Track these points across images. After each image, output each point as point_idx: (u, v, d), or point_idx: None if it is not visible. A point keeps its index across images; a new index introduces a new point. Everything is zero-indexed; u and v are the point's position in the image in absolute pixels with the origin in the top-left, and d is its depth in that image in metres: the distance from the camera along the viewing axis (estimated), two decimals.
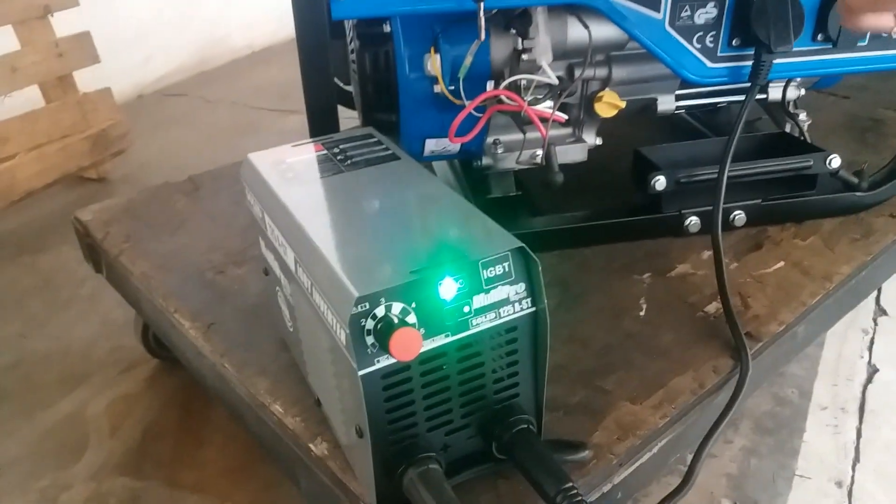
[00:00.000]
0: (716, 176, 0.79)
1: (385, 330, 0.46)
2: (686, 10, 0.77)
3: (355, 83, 0.87)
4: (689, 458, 0.65)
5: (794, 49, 0.79)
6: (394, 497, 0.53)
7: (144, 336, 1.05)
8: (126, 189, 1.56)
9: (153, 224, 0.96)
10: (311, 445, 0.62)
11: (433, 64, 0.76)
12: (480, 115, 0.79)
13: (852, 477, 0.90)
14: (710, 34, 0.78)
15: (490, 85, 0.80)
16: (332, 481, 0.60)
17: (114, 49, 1.70)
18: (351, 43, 0.85)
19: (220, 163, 1.12)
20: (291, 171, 0.64)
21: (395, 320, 0.47)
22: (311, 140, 0.70)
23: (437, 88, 0.78)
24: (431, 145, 0.84)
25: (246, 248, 0.90)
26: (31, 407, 1.06)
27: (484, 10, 0.70)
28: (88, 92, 1.64)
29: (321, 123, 0.74)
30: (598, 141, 0.89)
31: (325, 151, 0.67)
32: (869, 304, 1.19)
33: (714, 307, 0.77)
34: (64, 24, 1.58)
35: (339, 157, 0.66)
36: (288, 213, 0.58)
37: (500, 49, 0.78)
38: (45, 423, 1.03)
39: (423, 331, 0.48)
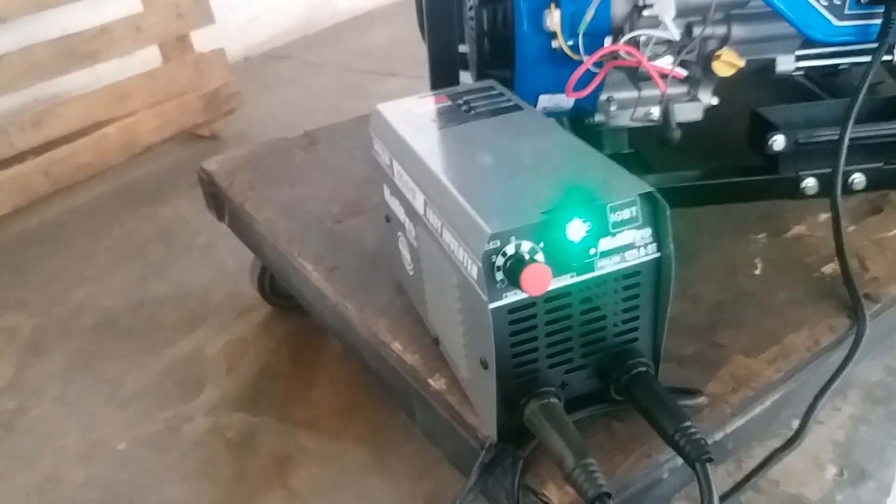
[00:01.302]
0: (836, 138, 0.77)
1: (515, 266, 0.49)
2: None
3: (471, 41, 0.89)
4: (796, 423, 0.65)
5: None
6: (513, 429, 0.56)
7: (261, 283, 1.11)
8: (237, 146, 1.63)
9: (274, 175, 1.01)
10: (429, 380, 0.66)
11: (553, 19, 0.77)
12: (598, 70, 0.80)
13: None
14: None
15: (608, 41, 0.80)
16: (450, 414, 0.63)
17: (223, 10, 1.77)
18: (470, 2, 0.86)
19: (325, 123, 1.16)
20: (420, 120, 0.67)
21: (526, 257, 0.49)
22: (435, 92, 0.73)
23: (556, 44, 0.79)
24: (545, 101, 0.85)
25: (362, 200, 0.94)
26: (155, 344, 1.14)
27: None
28: (204, 52, 1.72)
29: (444, 77, 0.77)
30: (715, 101, 0.88)
31: (449, 102, 0.70)
32: None
33: (831, 268, 0.76)
34: None
35: (463, 108, 0.68)
36: (419, 159, 0.61)
37: (620, 5, 0.79)
38: (167, 359, 1.11)
39: (550, 269, 0.50)
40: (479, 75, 0.89)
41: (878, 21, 0.78)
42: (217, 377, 1.07)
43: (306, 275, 0.83)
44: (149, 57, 1.70)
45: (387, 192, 0.72)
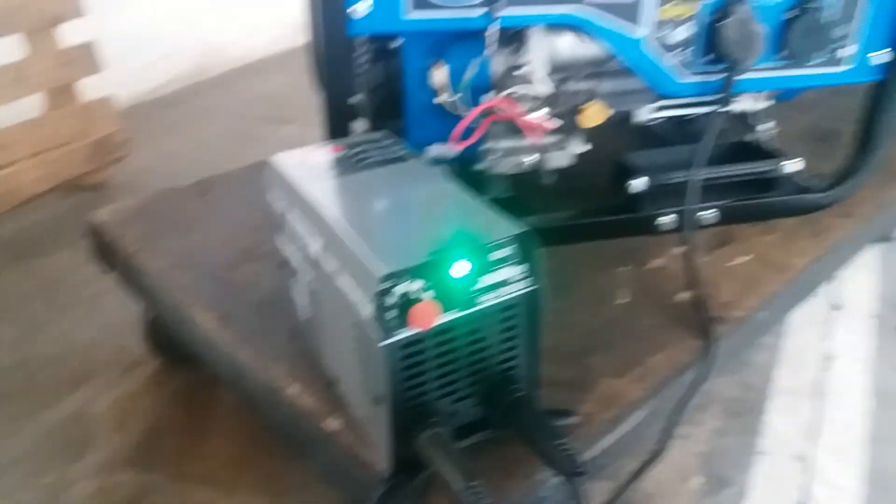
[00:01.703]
0: (687, 178, 0.88)
1: (406, 304, 0.54)
2: (663, 31, 0.86)
3: (364, 93, 0.94)
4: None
5: (756, 66, 0.88)
6: (407, 460, 0.60)
7: (150, 335, 1.10)
8: (126, 195, 1.60)
9: (166, 224, 1.02)
10: (326, 422, 0.69)
11: (438, 76, 0.85)
12: (479, 123, 0.87)
13: (810, 453, 0.99)
14: (684, 53, 0.87)
15: (488, 96, 0.88)
16: (348, 453, 0.66)
17: (113, 57, 1.74)
18: (361, 56, 0.92)
19: (218, 170, 1.17)
20: (314, 169, 0.71)
21: (415, 295, 0.54)
22: (330, 142, 0.77)
23: (441, 99, 0.86)
24: (433, 150, 0.92)
25: (256, 247, 0.97)
26: (35, 406, 1.07)
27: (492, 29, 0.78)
28: (91, 100, 1.69)
29: (339, 127, 0.82)
30: (584, 148, 0.98)
31: (343, 152, 0.75)
32: (825, 298, 1.28)
33: (686, 295, 0.85)
34: (67, 32, 1.62)
35: (357, 158, 0.73)
36: (313, 206, 0.65)
37: (498, 64, 0.87)
38: (49, 421, 1.05)
39: (437, 305, 0.56)
40: (373, 125, 0.95)
41: (719, 77, 0.89)
42: (104, 436, 1.03)
43: (200, 324, 0.84)
44: (34, 103, 1.65)
45: (282, 238, 0.75)
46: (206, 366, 0.89)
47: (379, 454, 0.62)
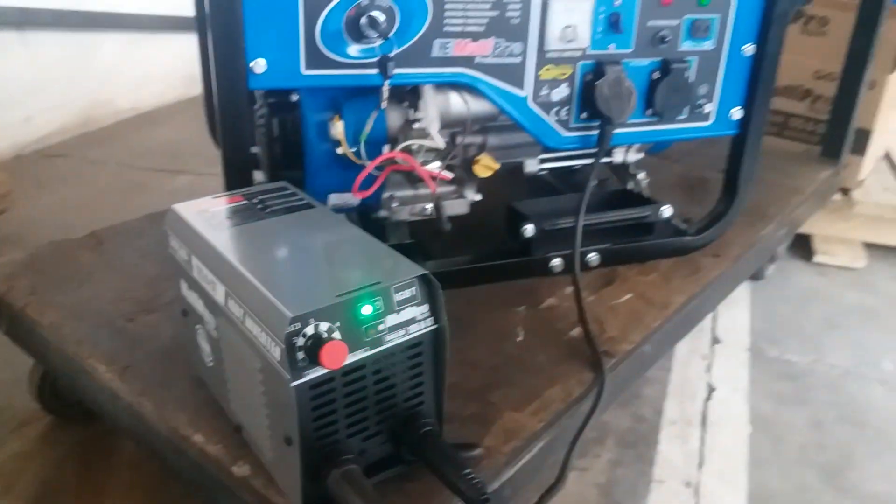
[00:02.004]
0: (573, 225, 0.95)
1: (315, 345, 0.56)
2: (544, 90, 0.93)
3: (263, 144, 0.96)
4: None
5: (629, 122, 0.97)
6: (318, 499, 0.61)
7: (41, 391, 1.05)
8: (9, 249, 1.53)
9: (58, 277, 0.99)
10: (233, 468, 0.69)
11: (337, 129, 0.88)
12: (379, 173, 0.91)
13: (698, 478, 1.07)
14: (564, 109, 0.95)
15: (386, 148, 0.92)
16: (257, 499, 0.67)
17: None
18: (259, 109, 0.95)
19: (109, 222, 1.15)
20: (216, 218, 0.73)
21: (324, 336, 0.57)
22: (231, 192, 0.79)
23: (341, 150, 0.89)
24: (334, 199, 0.95)
25: (155, 297, 0.96)
26: None
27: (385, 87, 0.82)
28: None
29: (238, 178, 0.83)
30: (478, 196, 1.03)
31: (245, 201, 0.76)
32: (706, 333, 1.39)
33: (577, 332, 0.91)
34: None
35: (258, 206, 0.75)
36: (218, 253, 0.66)
37: (394, 118, 0.91)
38: None
39: (345, 345, 0.58)
40: (272, 175, 0.97)
41: (596, 132, 0.97)
42: None
43: (98, 377, 0.82)
44: None
45: (184, 286, 0.76)
46: (106, 419, 0.86)
47: (290, 496, 0.63)
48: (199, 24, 1.10)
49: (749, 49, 1.00)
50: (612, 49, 0.94)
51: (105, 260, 1.05)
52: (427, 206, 1.00)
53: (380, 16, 0.81)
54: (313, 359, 0.56)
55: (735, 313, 1.46)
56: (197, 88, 2.75)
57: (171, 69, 2.57)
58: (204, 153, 2.03)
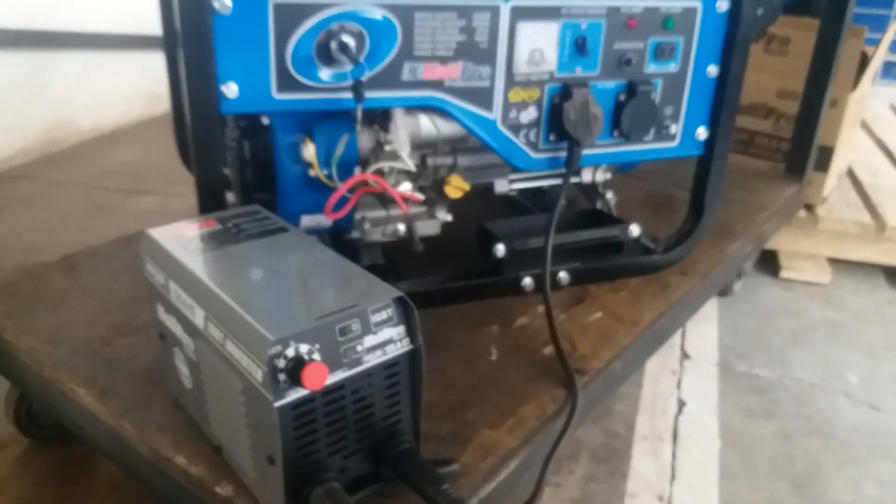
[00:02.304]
0: (543, 244, 0.97)
1: (296, 366, 0.57)
2: (513, 112, 0.96)
3: (233, 167, 0.97)
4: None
5: (597, 143, 1.00)
6: None
7: (17, 415, 1.04)
8: None
9: (33, 301, 0.99)
10: (216, 489, 0.69)
11: (309, 152, 0.89)
12: (351, 195, 0.92)
13: (670, 492, 1.08)
14: (533, 131, 0.98)
15: (358, 170, 0.93)
16: None
17: None
18: (231, 131, 0.96)
19: (75, 244, 1.15)
20: (192, 242, 0.73)
21: (305, 358, 0.57)
22: (205, 217, 0.79)
23: (312, 172, 0.90)
24: (307, 221, 0.96)
25: (130, 320, 0.96)
26: None
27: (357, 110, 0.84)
28: None
29: (212, 201, 0.84)
30: (450, 216, 1.05)
31: (219, 226, 0.77)
32: (675, 349, 1.42)
33: (549, 350, 0.92)
34: None
35: (233, 230, 0.76)
36: (195, 277, 0.67)
37: (365, 140, 0.93)
38: None
39: (326, 366, 0.59)
40: (244, 198, 0.97)
41: (564, 154, 1.00)
42: None
43: (77, 400, 0.82)
44: None
45: (161, 311, 0.76)
46: (86, 442, 0.86)
47: None
48: (166, 44, 1.10)
49: (713, 70, 1.04)
50: (578, 72, 0.97)
51: (78, 283, 1.04)
52: (399, 227, 1.01)
53: (350, 40, 0.83)
54: (294, 380, 0.57)
55: (704, 329, 1.49)
56: (159, 107, 2.76)
57: (133, 88, 2.57)
58: (169, 173, 2.04)
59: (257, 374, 0.58)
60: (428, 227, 1.04)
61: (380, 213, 1.01)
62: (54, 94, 2.29)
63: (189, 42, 0.78)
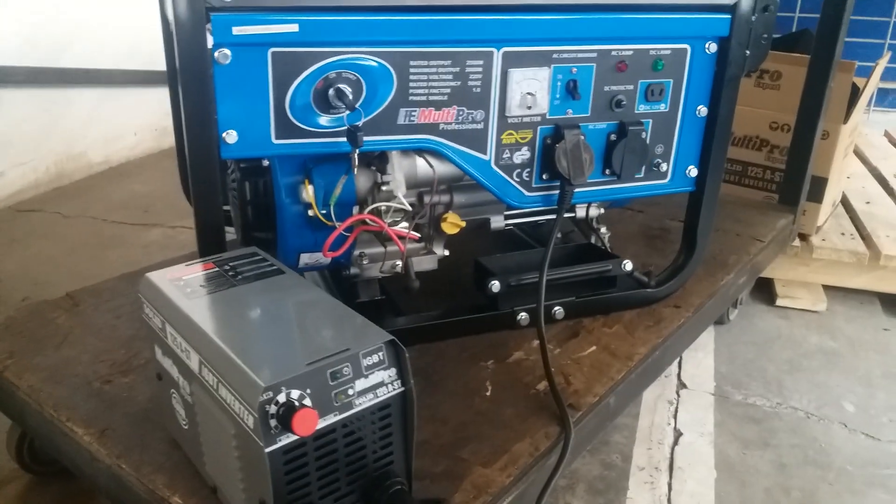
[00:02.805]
0: (538, 280, 0.98)
1: (287, 412, 0.58)
2: (506, 153, 0.98)
3: (234, 206, 1.00)
4: None
5: (589, 181, 1.02)
6: None
7: (19, 452, 1.06)
8: None
9: (35, 339, 1.01)
10: None
11: (307, 193, 0.92)
12: (349, 233, 0.94)
13: None
14: (526, 171, 1.00)
15: (356, 209, 0.96)
16: None
17: None
18: (232, 173, 0.98)
19: (83, 277, 1.17)
20: (189, 286, 0.75)
21: (296, 404, 0.59)
22: (202, 259, 0.82)
23: (311, 212, 0.93)
24: (305, 258, 0.98)
25: (130, 358, 0.97)
26: None
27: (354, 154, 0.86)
28: None
29: (212, 242, 0.86)
30: (446, 252, 1.07)
31: (216, 269, 0.79)
32: (672, 380, 1.43)
33: (543, 385, 0.94)
34: None
35: (230, 273, 0.78)
36: (191, 322, 0.69)
37: (363, 181, 0.95)
38: None
39: (316, 412, 0.61)
40: (244, 237, 1.00)
41: (557, 192, 1.02)
42: None
43: (76, 439, 0.84)
44: None
45: (159, 352, 0.78)
46: (84, 480, 0.87)
47: None
48: (171, 80, 1.13)
49: (702, 110, 1.06)
50: (570, 114, 0.99)
51: (81, 321, 1.06)
52: (396, 263, 1.03)
53: (346, 88, 0.86)
54: (285, 426, 0.58)
55: (700, 358, 1.50)
56: (167, 140, 2.80)
57: (142, 123, 2.62)
58: (175, 206, 2.07)
59: (249, 420, 0.59)
60: (425, 263, 1.06)
61: (378, 249, 1.03)
62: (66, 128, 2.34)
63: (190, 91, 0.80)
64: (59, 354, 0.98)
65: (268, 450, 0.59)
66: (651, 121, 1.04)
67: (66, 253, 1.86)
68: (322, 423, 0.61)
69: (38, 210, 2.14)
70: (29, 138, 2.21)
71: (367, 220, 0.94)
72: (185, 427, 0.76)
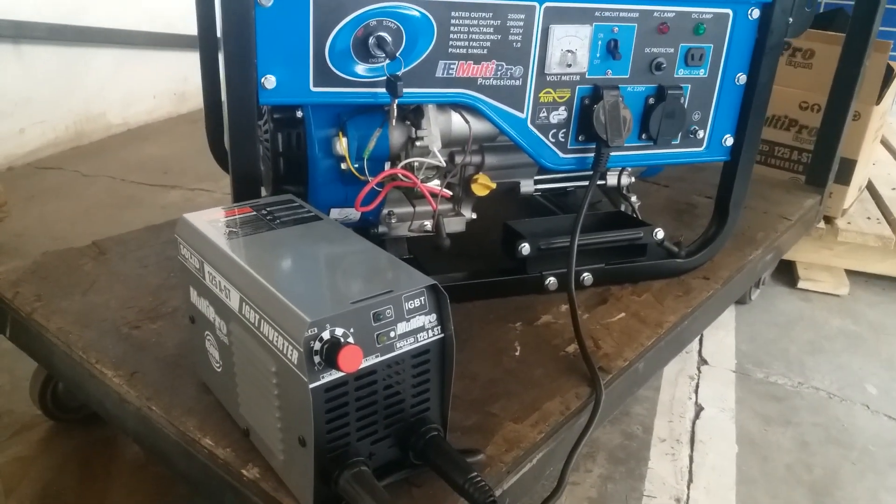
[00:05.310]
0: (568, 244, 0.97)
1: (332, 349, 0.58)
2: (543, 112, 0.97)
3: (266, 159, 0.99)
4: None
5: (625, 145, 1.00)
6: (329, 500, 0.63)
7: (42, 397, 1.06)
8: (4, 259, 1.53)
9: (63, 284, 1.00)
10: (243, 471, 0.70)
11: (341, 145, 0.91)
12: (381, 188, 0.93)
13: (688, 494, 1.09)
14: (562, 131, 0.99)
15: (388, 165, 0.95)
16: (266, 501, 0.68)
17: None
18: (264, 124, 0.97)
19: (102, 235, 1.17)
20: (227, 227, 0.74)
21: (341, 341, 0.58)
22: (239, 203, 0.81)
23: (344, 166, 0.92)
24: (335, 213, 0.97)
25: (158, 306, 0.97)
26: None
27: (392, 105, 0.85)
28: None
29: (246, 189, 0.85)
30: (474, 215, 1.06)
31: (254, 213, 0.78)
32: (693, 355, 1.42)
33: (573, 348, 0.93)
34: None
35: (268, 217, 0.77)
36: (233, 261, 0.68)
37: (397, 136, 0.94)
38: None
39: (360, 350, 0.60)
40: (275, 190, 0.99)
41: (592, 154, 1.01)
42: None
43: (105, 381, 0.83)
44: None
45: (194, 294, 0.77)
46: (112, 424, 0.87)
47: (301, 497, 0.65)
48: (202, 40, 1.12)
49: (742, 78, 1.04)
50: (609, 74, 0.98)
51: (108, 269, 1.06)
52: (426, 223, 1.02)
53: (387, 36, 0.85)
54: (330, 362, 0.58)
55: (721, 336, 1.49)
56: (185, 106, 2.80)
57: (161, 87, 2.61)
58: (194, 169, 2.07)
59: (293, 356, 0.59)
60: (453, 224, 1.05)
61: (406, 209, 1.02)
62: (85, 88, 2.33)
63: (230, 34, 0.79)
64: (86, 300, 0.97)
65: (311, 385, 0.58)
66: (690, 86, 1.02)
67: (85, 211, 1.86)
68: (364, 363, 0.61)
69: (56, 168, 2.14)
70: (49, 96, 2.21)
71: (400, 175, 0.93)
72: (219, 370, 0.76)
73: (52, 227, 1.74)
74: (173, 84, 2.63)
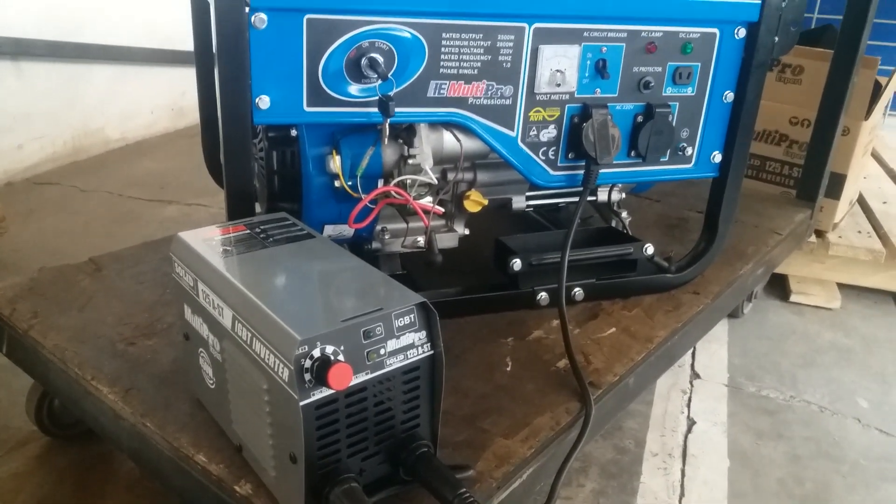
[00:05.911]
0: (559, 260, 0.99)
1: (322, 366, 0.59)
2: (533, 130, 0.98)
3: (260, 177, 1.00)
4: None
5: (614, 162, 1.02)
6: None
7: (38, 413, 1.07)
8: (3, 274, 1.54)
9: (60, 301, 1.01)
10: (236, 487, 0.71)
11: (335, 163, 0.92)
12: (374, 205, 0.95)
13: None
14: (552, 149, 1.00)
15: (381, 182, 0.96)
16: None
17: None
18: (259, 142, 0.98)
19: (100, 250, 1.18)
20: (221, 246, 0.76)
21: (331, 358, 0.60)
22: (234, 222, 0.82)
23: (338, 183, 0.93)
24: (329, 230, 0.98)
25: (154, 322, 0.98)
26: None
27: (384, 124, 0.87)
28: None
29: (241, 207, 0.86)
30: (466, 231, 1.07)
31: (247, 231, 0.80)
32: (686, 369, 1.43)
33: (563, 363, 0.94)
34: None
35: (261, 236, 0.78)
36: (225, 279, 0.69)
37: (390, 154, 0.96)
38: None
39: (350, 368, 0.61)
40: (269, 207, 1.00)
41: (582, 171, 1.02)
42: None
43: (101, 398, 0.84)
44: None
45: (188, 311, 0.78)
46: (107, 440, 0.88)
47: None
48: (199, 58, 1.14)
49: (729, 96, 1.06)
50: (598, 93, 0.99)
51: (104, 285, 1.07)
52: (418, 239, 1.03)
53: (379, 58, 0.86)
54: (320, 380, 0.59)
55: (714, 349, 1.50)
56: (183, 121, 2.81)
57: (158, 102, 2.63)
58: (191, 184, 2.09)
59: (284, 373, 0.60)
60: (445, 240, 1.06)
61: (400, 224, 1.03)
62: (84, 104, 2.35)
63: (225, 56, 0.81)
64: (82, 316, 0.98)
65: (302, 403, 0.59)
66: (678, 104, 1.04)
67: (83, 226, 1.87)
68: (354, 380, 0.62)
69: (55, 183, 2.15)
70: (48, 112, 2.22)
71: (393, 193, 0.94)
72: (212, 386, 0.77)
73: (50, 242, 1.75)
74: (171, 99, 2.65)
